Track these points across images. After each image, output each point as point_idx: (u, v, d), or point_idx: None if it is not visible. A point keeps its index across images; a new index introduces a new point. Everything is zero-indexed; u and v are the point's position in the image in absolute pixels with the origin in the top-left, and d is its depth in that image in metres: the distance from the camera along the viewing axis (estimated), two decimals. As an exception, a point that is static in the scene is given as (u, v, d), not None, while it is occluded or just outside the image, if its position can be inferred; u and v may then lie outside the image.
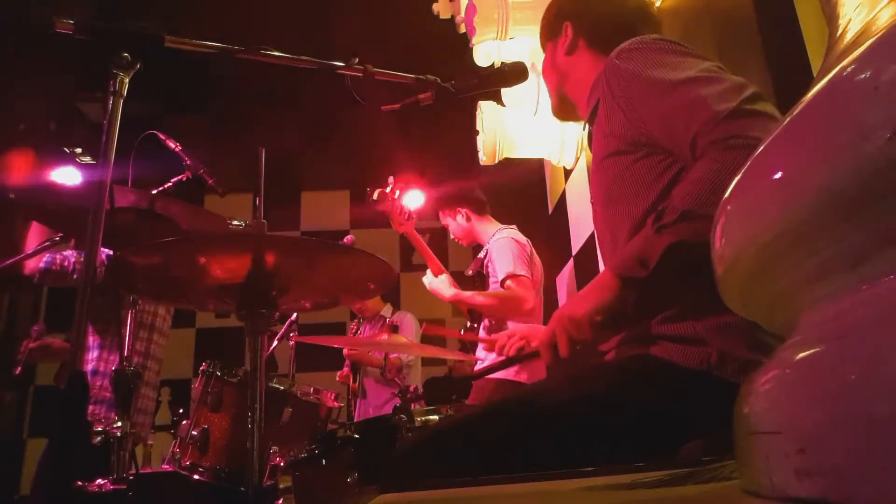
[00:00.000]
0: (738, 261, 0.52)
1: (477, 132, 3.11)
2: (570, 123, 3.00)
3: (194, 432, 1.99)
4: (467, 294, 2.68)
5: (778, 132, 0.48)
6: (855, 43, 0.44)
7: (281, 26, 4.19)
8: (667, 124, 1.10)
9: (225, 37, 1.16)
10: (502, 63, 1.87)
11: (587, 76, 1.37)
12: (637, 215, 1.16)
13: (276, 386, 2.13)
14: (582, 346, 1.10)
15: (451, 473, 0.98)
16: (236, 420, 2.01)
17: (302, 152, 6.04)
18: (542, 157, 3.35)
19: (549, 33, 1.49)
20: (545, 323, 2.31)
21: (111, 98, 1.04)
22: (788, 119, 0.46)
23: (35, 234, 2.58)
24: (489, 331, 2.79)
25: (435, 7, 3.02)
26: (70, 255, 2.57)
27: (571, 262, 3.43)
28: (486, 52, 3.01)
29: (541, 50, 1.54)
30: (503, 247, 2.82)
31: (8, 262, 2.45)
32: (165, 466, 2.09)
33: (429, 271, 2.73)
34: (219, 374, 2.07)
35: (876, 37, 0.38)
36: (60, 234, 2.36)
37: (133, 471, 1.64)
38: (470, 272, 2.99)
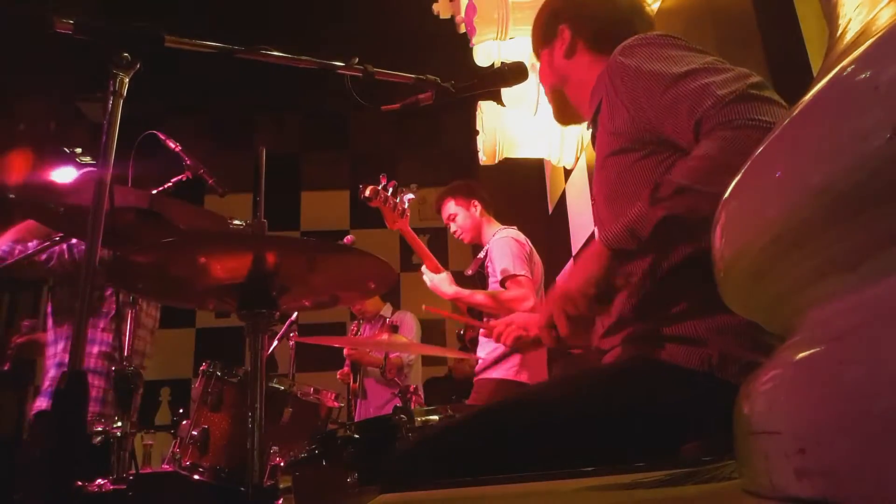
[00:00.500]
0: (739, 261, 0.52)
1: (477, 132, 3.11)
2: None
3: (194, 432, 1.99)
4: (467, 292, 2.68)
5: (778, 132, 0.48)
6: (855, 43, 0.44)
7: (281, 26, 4.20)
8: (672, 114, 1.09)
9: (225, 37, 1.16)
10: (502, 63, 1.87)
11: (588, 77, 1.37)
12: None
13: (277, 386, 2.13)
14: (580, 322, 1.10)
15: (452, 475, 0.98)
16: (236, 420, 2.01)
17: (302, 152, 6.06)
18: (542, 157, 3.36)
19: (544, 38, 1.47)
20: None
21: (111, 98, 1.04)
22: (788, 119, 0.46)
23: (20, 230, 2.56)
24: None
25: (435, 7, 3.02)
26: (33, 245, 2.54)
27: (571, 262, 3.43)
28: (486, 52, 3.02)
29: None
30: (503, 246, 2.82)
31: (8, 261, 2.45)
32: (165, 466, 2.08)
33: (424, 267, 2.73)
34: (219, 374, 2.07)
35: (876, 37, 0.38)
36: (60, 234, 2.35)
37: (133, 471, 1.65)
38: (470, 272, 2.99)
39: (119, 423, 1.62)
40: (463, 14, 2.84)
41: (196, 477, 1.95)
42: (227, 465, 1.97)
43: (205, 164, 2.20)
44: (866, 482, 0.35)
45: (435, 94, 1.34)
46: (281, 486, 1.60)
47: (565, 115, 1.51)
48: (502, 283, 2.72)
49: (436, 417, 1.48)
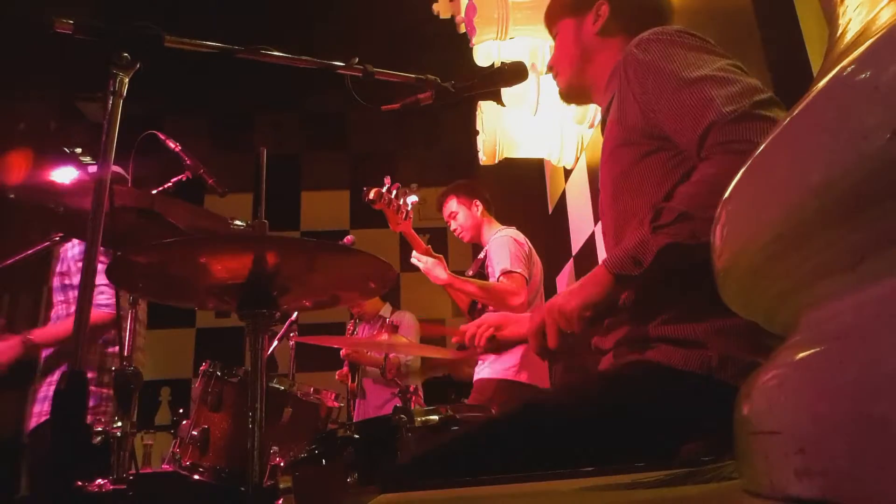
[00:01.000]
0: (738, 260, 0.52)
1: (477, 132, 3.12)
2: (570, 123, 3.02)
3: (194, 432, 1.99)
4: (461, 279, 2.69)
5: (778, 132, 0.48)
6: (855, 43, 0.44)
7: (281, 26, 4.20)
8: (677, 121, 1.09)
9: (225, 37, 1.16)
10: (502, 63, 1.87)
11: (611, 59, 1.34)
12: (643, 212, 1.15)
13: (277, 386, 2.13)
14: (571, 338, 1.11)
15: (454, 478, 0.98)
16: (236, 420, 2.01)
17: (302, 152, 6.06)
18: (542, 157, 3.36)
19: (575, 7, 1.41)
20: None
21: (111, 98, 1.04)
22: (788, 119, 0.46)
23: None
24: None
25: (435, 7, 3.02)
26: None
27: (571, 262, 3.43)
28: (486, 52, 3.02)
29: (540, 49, 1.53)
30: (502, 245, 2.83)
31: (8, 262, 2.45)
32: (165, 466, 2.08)
33: (414, 252, 2.72)
34: (219, 374, 2.07)
35: (876, 37, 0.38)
36: (60, 234, 2.35)
37: (133, 471, 1.64)
38: (470, 272, 2.99)
39: (119, 423, 1.62)
40: (463, 14, 2.84)
41: (196, 477, 1.95)
42: (227, 465, 1.97)
43: (205, 164, 2.20)
44: (866, 482, 0.35)
45: (435, 94, 1.34)
46: (281, 486, 1.60)
47: (573, 92, 1.46)
48: (499, 279, 2.73)
49: (436, 417, 1.47)
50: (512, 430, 1.09)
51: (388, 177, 2.61)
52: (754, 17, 1.66)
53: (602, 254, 2.72)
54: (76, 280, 2.54)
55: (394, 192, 2.59)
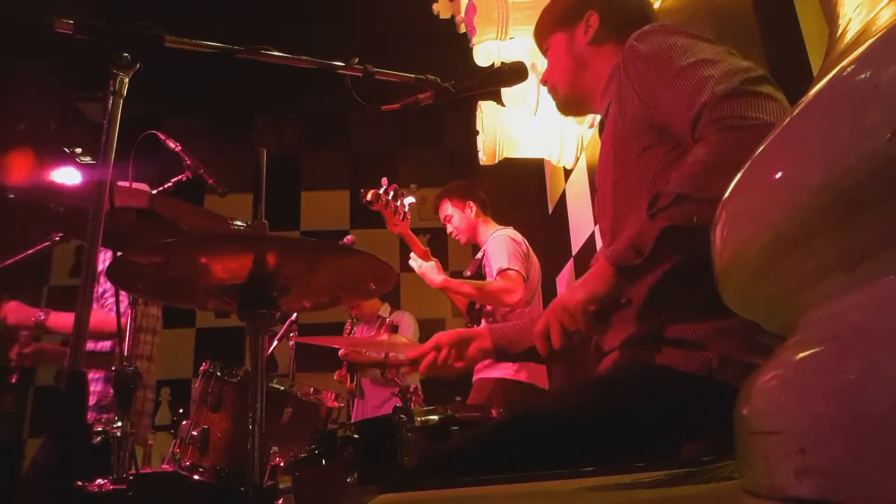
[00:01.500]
0: (738, 261, 0.52)
1: (477, 132, 3.12)
2: (570, 123, 3.02)
3: (194, 432, 1.99)
4: (455, 281, 2.69)
5: (778, 132, 0.48)
6: (855, 43, 0.44)
7: (281, 26, 4.20)
8: (674, 106, 1.10)
9: (225, 37, 1.16)
10: (502, 63, 1.87)
11: (606, 66, 1.36)
12: (641, 206, 1.15)
13: (276, 386, 2.13)
14: (575, 335, 1.10)
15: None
16: (236, 420, 2.01)
17: (302, 152, 6.06)
18: (542, 157, 3.36)
19: (564, 21, 1.43)
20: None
21: (111, 98, 1.04)
22: (788, 119, 0.46)
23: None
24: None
25: (435, 7, 3.02)
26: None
27: (571, 262, 3.43)
28: (486, 52, 3.02)
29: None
30: (499, 244, 2.83)
31: (8, 262, 2.45)
32: (165, 466, 2.08)
33: (412, 254, 2.73)
34: (219, 374, 2.07)
35: (876, 37, 0.38)
36: (60, 234, 2.35)
37: (133, 471, 1.64)
38: (468, 273, 3.00)
39: (119, 423, 1.62)
40: (463, 14, 2.84)
41: (196, 477, 1.95)
42: (227, 465, 1.97)
43: (205, 164, 2.20)
44: (866, 482, 0.35)
45: (435, 94, 1.34)
46: (281, 486, 1.60)
47: (571, 102, 1.47)
48: (496, 278, 2.73)
49: (435, 417, 1.47)
50: (513, 431, 1.09)
51: (386, 178, 2.61)
52: (754, 17, 1.66)
53: (602, 254, 2.71)
54: (106, 285, 2.55)
55: (391, 193, 2.59)
